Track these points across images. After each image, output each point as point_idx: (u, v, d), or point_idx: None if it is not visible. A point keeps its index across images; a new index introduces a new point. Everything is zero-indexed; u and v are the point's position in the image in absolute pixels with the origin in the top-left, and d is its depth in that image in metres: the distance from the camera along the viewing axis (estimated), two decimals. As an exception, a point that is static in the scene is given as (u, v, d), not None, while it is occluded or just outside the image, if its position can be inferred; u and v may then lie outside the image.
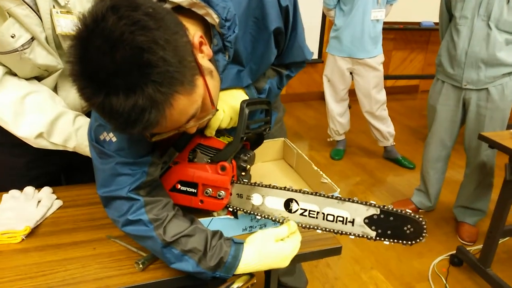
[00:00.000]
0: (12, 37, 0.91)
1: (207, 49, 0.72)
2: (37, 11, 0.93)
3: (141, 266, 0.85)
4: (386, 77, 3.53)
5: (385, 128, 3.00)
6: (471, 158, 2.15)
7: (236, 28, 0.81)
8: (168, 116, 0.63)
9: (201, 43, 0.71)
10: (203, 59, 0.71)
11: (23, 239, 0.93)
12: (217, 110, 0.80)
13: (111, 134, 0.78)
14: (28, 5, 0.91)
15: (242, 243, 0.81)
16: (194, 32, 0.70)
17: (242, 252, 0.80)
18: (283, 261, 0.82)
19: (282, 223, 0.84)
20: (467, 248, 2.01)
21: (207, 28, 0.79)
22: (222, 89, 0.91)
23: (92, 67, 0.58)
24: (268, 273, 1.06)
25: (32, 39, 0.95)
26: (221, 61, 0.82)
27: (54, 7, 0.95)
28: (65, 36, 0.99)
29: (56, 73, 1.04)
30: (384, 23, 2.82)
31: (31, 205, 1.02)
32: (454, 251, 2.03)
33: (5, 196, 1.05)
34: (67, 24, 0.97)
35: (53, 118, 1.01)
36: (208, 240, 0.80)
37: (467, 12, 1.91)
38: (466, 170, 2.22)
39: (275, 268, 0.83)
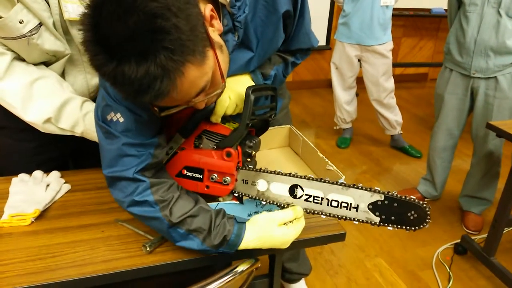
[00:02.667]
0: (20, 22, 0.92)
1: (217, 23, 0.72)
2: None
3: (148, 249, 0.86)
4: (395, 65, 3.48)
5: (393, 116, 2.98)
6: (478, 147, 2.13)
7: (247, 8, 0.81)
8: (178, 86, 0.63)
9: (211, 17, 0.71)
10: (214, 33, 0.71)
11: (33, 221, 0.95)
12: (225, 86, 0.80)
13: (118, 115, 0.79)
14: None
15: (245, 223, 0.84)
16: (205, 6, 0.70)
17: (244, 232, 0.82)
18: (283, 245, 0.85)
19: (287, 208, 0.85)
20: (472, 237, 2.01)
21: (217, 7, 0.79)
22: (229, 74, 0.91)
23: (104, 33, 0.58)
24: (272, 258, 1.08)
25: (40, 24, 0.95)
26: (230, 41, 0.82)
27: None
28: (73, 21, 0.99)
29: (63, 59, 1.05)
30: (394, 9, 2.77)
31: (40, 188, 1.04)
32: (459, 240, 2.04)
33: (14, 179, 1.07)
34: (75, 10, 0.97)
35: (61, 103, 1.02)
36: (213, 219, 0.82)
37: None
38: (472, 159, 2.20)
39: (275, 248, 0.86)
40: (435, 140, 2.29)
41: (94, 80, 1.12)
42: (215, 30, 0.72)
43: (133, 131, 0.79)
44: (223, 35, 0.79)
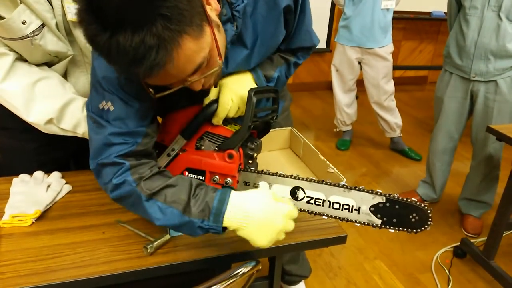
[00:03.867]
0: (23, 23, 0.92)
1: (214, 3, 0.72)
2: None
3: (149, 250, 0.86)
4: (395, 68, 3.49)
5: (393, 119, 2.99)
6: (478, 151, 2.13)
7: None
8: (175, 59, 0.62)
9: None
10: (211, 12, 0.70)
11: (33, 222, 0.95)
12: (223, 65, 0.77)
13: (109, 103, 0.78)
14: None
15: (230, 188, 0.78)
16: None
17: (229, 196, 0.75)
18: (278, 219, 0.74)
19: None
20: (471, 240, 2.01)
21: None
22: (230, 73, 0.91)
23: (99, 1, 0.56)
24: (272, 260, 1.08)
25: (43, 25, 0.95)
26: (229, 31, 0.81)
27: None
28: (76, 22, 0.99)
29: (66, 60, 1.05)
30: (394, 12, 2.78)
31: (41, 189, 1.04)
32: (458, 243, 2.04)
33: (15, 180, 1.06)
34: None
35: (63, 104, 1.02)
36: (193, 187, 0.77)
37: (477, 2, 1.88)
38: (472, 162, 2.21)
39: (267, 234, 0.75)
40: (434, 143, 2.30)
41: None
42: (212, 10, 0.71)
43: (122, 120, 0.78)
44: (222, 24, 0.77)
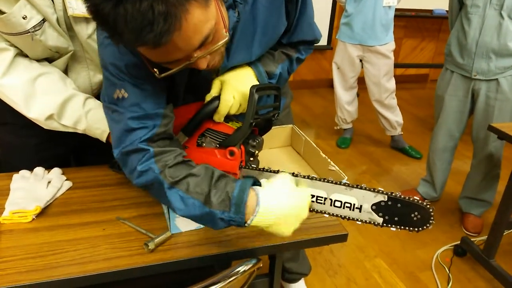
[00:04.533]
0: (24, 18, 0.91)
1: None
2: None
3: (150, 247, 0.86)
4: (396, 66, 3.48)
5: (393, 117, 2.98)
6: (479, 149, 2.13)
7: None
8: (183, 27, 0.61)
9: None
10: None
11: (34, 218, 0.94)
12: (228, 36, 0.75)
13: (122, 91, 0.78)
14: None
15: (252, 178, 0.78)
16: None
17: (249, 186, 0.74)
18: (303, 208, 0.76)
19: None
20: (472, 239, 2.01)
21: None
22: (231, 68, 0.90)
23: None
24: (272, 258, 1.08)
25: (44, 20, 0.95)
26: (231, 18, 0.81)
27: None
28: (77, 18, 0.99)
29: (67, 55, 1.05)
30: (396, 9, 2.77)
31: (41, 185, 1.04)
32: (458, 242, 2.04)
33: (15, 176, 1.06)
34: (79, 6, 0.96)
35: (64, 100, 1.02)
36: (214, 178, 0.76)
37: (479, 0, 1.88)
38: (473, 161, 2.20)
39: (292, 224, 0.75)
40: (435, 142, 2.29)
41: (97, 77, 1.12)
42: None
43: (138, 105, 0.78)
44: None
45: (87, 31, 1.02)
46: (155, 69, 0.72)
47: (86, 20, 1.00)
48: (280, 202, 0.74)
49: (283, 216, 0.74)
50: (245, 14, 0.85)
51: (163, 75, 0.72)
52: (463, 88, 2.06)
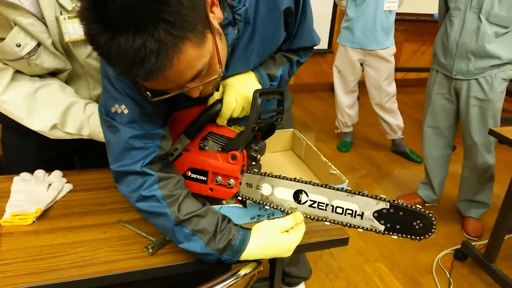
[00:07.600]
0: (18, 46, 0.92)
1: (218, 11, 0.71)
2: (42, 19, 0.93)
3: (150, 250, 0.86)
4: (397, 70, 3.48)
5: (394, 121, 2.98)
6: (467, 150, 2.17)
7: (247, 1, 0.80)
8: (175, 64, 0.61)
9: (213, 3, 0.70)
10: (214, 20, 0.70)
11: (34, 221, 0.94)
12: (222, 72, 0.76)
13: (123, 106, 0.78)
14: (33, 14, 0.90)
15: (250, 229, 0.82)
16: None
17: (249, 238, 0.80)
18: (286, 252, 0.83)
19: (289, 213, 0.85)
20: (472, 243, 2.01)
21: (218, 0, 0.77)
22: (231, 75, 0.90)
23: (102, 1, 0.56)
24: (273, 262, 1.07)
25: (38, 45, 0.95)
26: (230, 35, 0.81)
27: (61, 13, 0.94)
28: (75, 42, 0.99)
29: (65, 72, 1.05)
30: (396, 14, 2.78)
31: (42, 188, 1.03)
32: (459, 246, 2.04)
33: (16, 178, 1.06)
34: (75, 29, 0.96)
35: (65, 108, 1.02)
36: (219, 222, 0.80)
37: (461, 4, 1.95)
38: (464, 162, 2.23)
39: (278, 257, 0.84)
40: (424, 139, 2.34)
41: (97, 90, 1.12)
42: (215, 18, 0.71)
43: (138, 123, 0.79)
44: (223, 28, 0.77)
45: (86, 50, 1.02)
46: (148, 93, 0.72)
47: (84, 42, 0.99)
48: (266, 252, 0.81)
49: (270, 254, 0.82)
50: (245, 30, 0.85)
51: (155, 99, 0.73)
52: (447, 87, 2.13)
